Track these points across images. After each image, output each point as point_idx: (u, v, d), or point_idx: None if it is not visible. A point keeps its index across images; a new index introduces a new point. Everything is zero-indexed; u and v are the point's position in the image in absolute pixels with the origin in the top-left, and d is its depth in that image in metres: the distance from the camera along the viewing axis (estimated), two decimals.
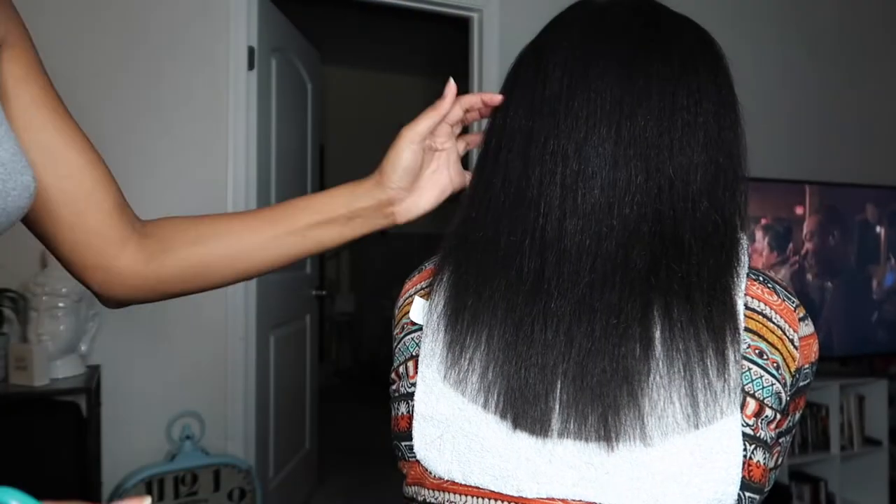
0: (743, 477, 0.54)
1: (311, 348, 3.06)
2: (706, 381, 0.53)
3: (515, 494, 0.56)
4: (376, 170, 0.73)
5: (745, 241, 0.60)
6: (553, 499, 0.55)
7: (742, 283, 0.58)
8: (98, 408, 2.03)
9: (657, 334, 0.54)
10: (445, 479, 0.59)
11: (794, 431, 0.63)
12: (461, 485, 0.58)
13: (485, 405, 0.57)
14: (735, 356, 0.54)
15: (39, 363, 1.83)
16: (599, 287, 0.55)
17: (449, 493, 0.59)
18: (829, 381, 2.74)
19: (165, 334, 2.20)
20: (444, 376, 0.60)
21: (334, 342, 5.35)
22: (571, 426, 0.54)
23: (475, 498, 0.58)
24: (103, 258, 0.66)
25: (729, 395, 0.53)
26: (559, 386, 0.54)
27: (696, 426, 0.52)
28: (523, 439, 0.56)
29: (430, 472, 0.60)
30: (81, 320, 1.98)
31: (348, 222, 0.72)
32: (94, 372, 2.00)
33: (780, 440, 0.61)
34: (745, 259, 0.59)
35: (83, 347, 1.99)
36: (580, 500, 0.54)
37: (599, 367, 0.54)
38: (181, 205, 2.20)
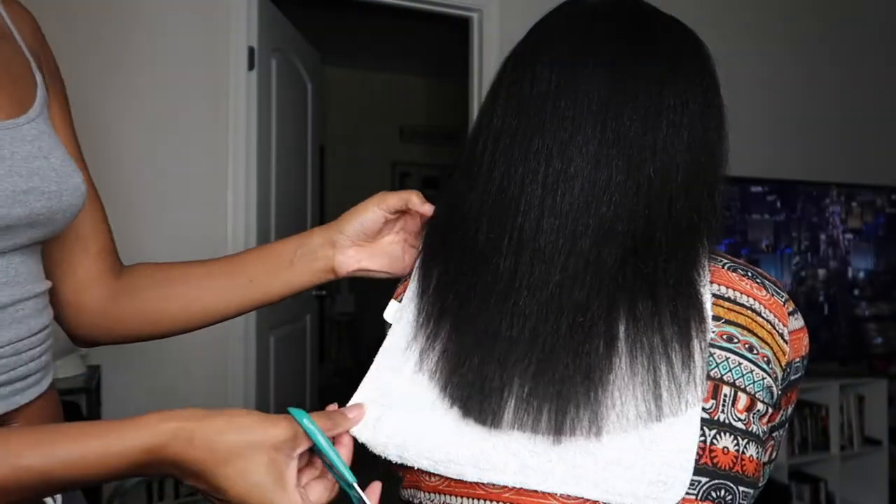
0: (736, 471, 0.54)
1: (311, 348, 3.07)
2: (671, 374, 0.53)
3: (455, 477, 0.57)
4: (330, 225, 0.76)
5: (714, 237, 0.61)
6: (494, 485, 0.56)
7: (706, 274, 0.58)
8: (98, 408, 2.03)
9: (621, 332, 0.55)
10: (382, 457, 0.60)
11: (787, 426, 0.64)
12: (460, 486, 0.59)
13: (441, 395, 0.58)
14: (701, 345, 0.54)
15: None
16: (569, 285, 0.56)
17: (445, 494, 0.59)
18: (829, 381, 2.74)
19: None
20: (403, 365, 0.62)
21: (334, 342, 5.35)
22: (525, 419, 0.55)
23: (473, 499, 0.58)
24: (73, 294, 0.71)
25: (695, 387, 0.53)
26: (516, 381, 0.55)
27: (659, 419, 0.53)
28: (471, 426, 0.57)
29: (369, 450, 0.61)
30: None
31: (291, 266, 0.75)
32: (94, 372, 2.00)
33: (774, 434, 0.61)
34: (706, 252, 0.60)
35: (83, 348, 1.99)
36: (522, 487, 0.55)
37: (562, 363, 0.54)
38: (181, 205, 2.20)
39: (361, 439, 0.61)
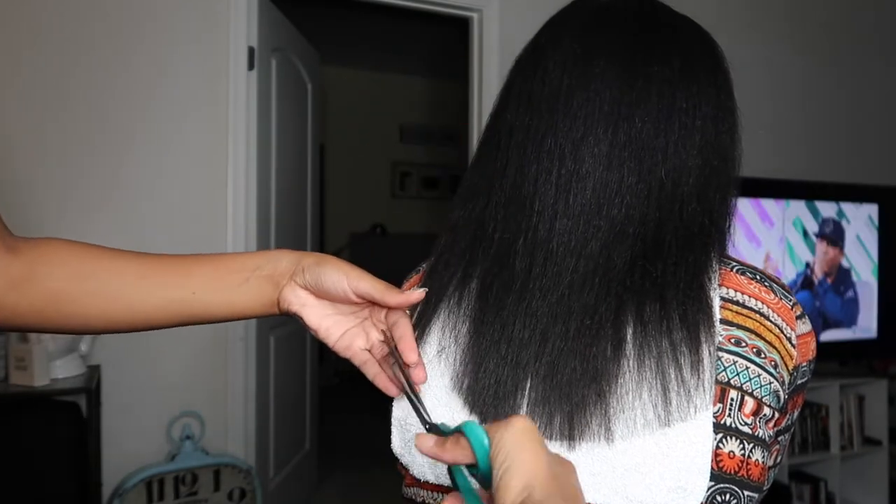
0: (742, 476, 0.54)
1: (311, 348, 3.06)
2: (680, 378, 0.53)
3: None
4: (303, 254, 0.63)
5: (725, 240, 0.61)
6: None
7: (716, 277, 0.58)
8: (98, 408, 2.03)
9: (629, 335, 0.54)
10: (422, 480, 0.61)
11: (792, 430, 0.63)
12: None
13: (461, 402, 0.58)
14: (710, 350, 0.54)
15: (40, 363, 1.83)
16: (579, 288, 0.56)
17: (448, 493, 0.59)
18: (829, 381, 2.74)
19: (165, 334, 2.20)
20: (429, 373, 0.61)
21: None
22: (537, 424, 0.54)
23: None
24: None
25: (704, 391, 0.53)
26: (529, 384, 0.55)
27: (668, 423, 0.52)
28: None
29: (410, 472, 0.61)
30: None
31: (246, 284, 0.61)
32: (94, 372, 2.00)
33: (779, 438, 0.61)
34: (717, 255, 0.60)
35: (83, 347, 1.99)
36: None
37: (570, 366, 0.54)
38: (181, 205, 2.20)
39: (404, 462, 0.62)
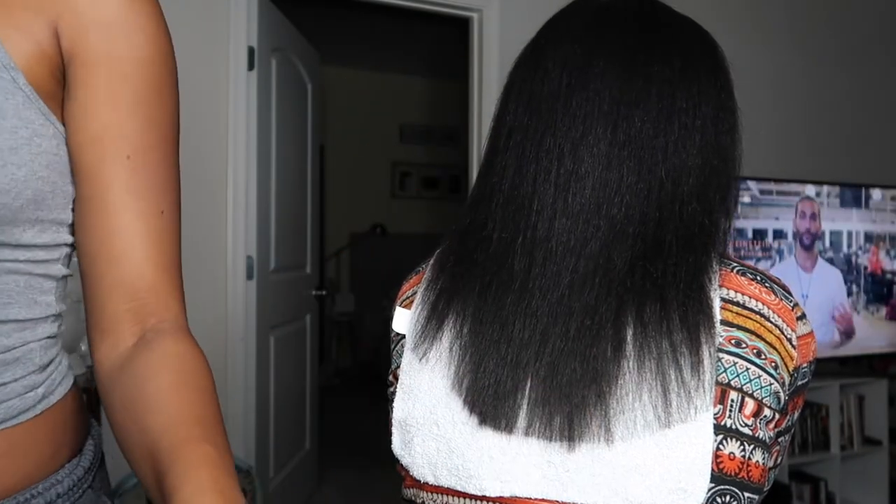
0: (742, 477, 0.54)
1: (311, 348, 3.06)
2: (680, 379, 0.53)
3: (478, 493, 0.57)
4: None
5: (725, 241, 0.61)
6: (516, 497, 0.56)
7: (716, 278, 0.58)
8: (98, 407, 2.03)
9: (629, 336, 0.54)
10: (421, 481, 0.61)
11: (792, 431, 0.63)
12: (459, 492, 0.59)
13: (460, 402, 0.58)
14: (710, 351, 0.54)
15: None
16: (579, 288, 0.56)
17: (447, 495, 0.59)
18: (829, 381, 2.74)
19: None
20: (424, 377, 0.61)
21: (334, 342, 5.34)
22: (537, 425, 0.55)
23: (473, 500, 0.58)
24: (90, 336, 0.61)
25: (704, 392, 0.53)
26: (529, 384, 0.55)
27: (669, 425, 0.52)
28: (488, 437, 0.56)
29: (410, 474, 0.61)
30: (82, 320, 1.98)
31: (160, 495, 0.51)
32: (94, 372, 2.00)
33: (779, 440, 0.61)
34: (717, 256, 0.59)
35: (83, 347, 1.99)
36: (543, 499, 0.55)
37: (570, 367, 0.54)
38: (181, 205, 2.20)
39: (404, 463, 0.62)
